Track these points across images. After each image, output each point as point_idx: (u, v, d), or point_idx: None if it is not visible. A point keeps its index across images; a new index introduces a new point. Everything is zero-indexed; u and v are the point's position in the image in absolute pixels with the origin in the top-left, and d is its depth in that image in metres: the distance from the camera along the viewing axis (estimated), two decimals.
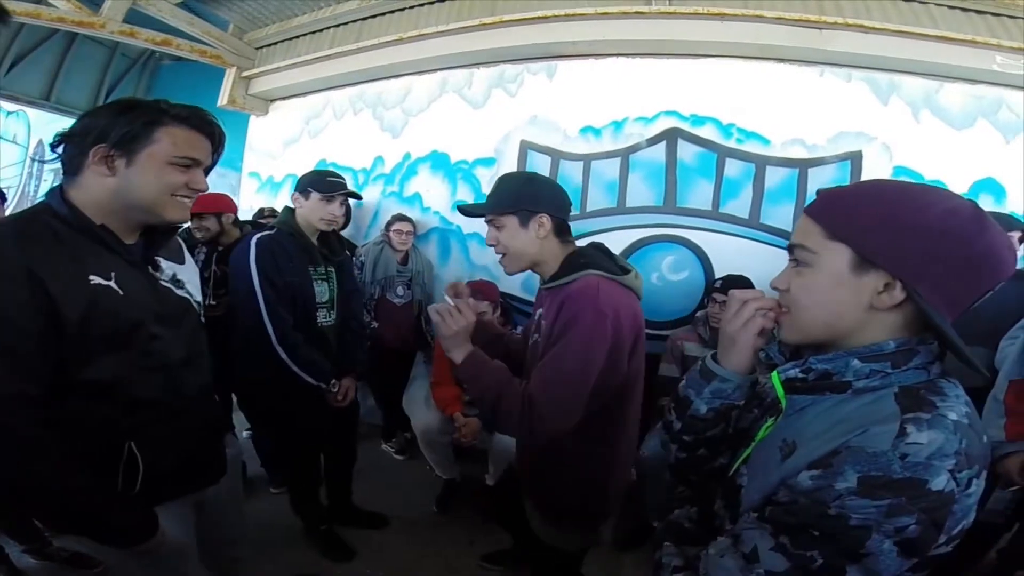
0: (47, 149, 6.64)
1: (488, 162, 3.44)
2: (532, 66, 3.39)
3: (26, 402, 0.95)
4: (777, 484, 0.72)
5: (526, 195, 1.37)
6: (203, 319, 1.34)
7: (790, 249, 0.79)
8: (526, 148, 3.31)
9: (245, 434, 3.37)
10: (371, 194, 3.89)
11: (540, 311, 1.45)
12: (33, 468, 0.96)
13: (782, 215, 2.84)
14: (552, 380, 1.28)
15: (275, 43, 4.39)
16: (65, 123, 5.98)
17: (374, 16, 3.81)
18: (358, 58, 3.82)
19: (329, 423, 2.29)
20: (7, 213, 5.59)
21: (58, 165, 1.08)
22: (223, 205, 2.89)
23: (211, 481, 1.35)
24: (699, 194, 2.95)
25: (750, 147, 2.90)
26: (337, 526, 2.49)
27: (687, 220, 2.97)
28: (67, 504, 1.01)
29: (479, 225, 3.45)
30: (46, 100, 5.82)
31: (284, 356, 2.00)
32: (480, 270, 3.41)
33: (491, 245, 1.43)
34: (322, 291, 2.16)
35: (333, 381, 2.16)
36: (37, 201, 1.28)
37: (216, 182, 6.49)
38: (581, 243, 1.47)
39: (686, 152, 2.97)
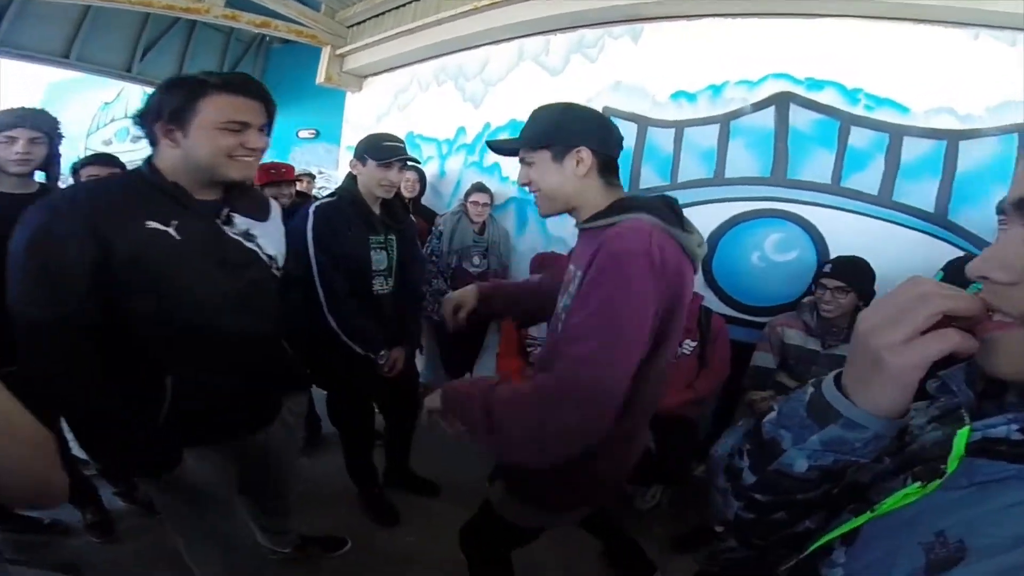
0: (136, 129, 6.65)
1: None
2: (614, 30, 2.72)
3: (63, 326, 0.94)
4: None
5: (561, 126, 1.01)
6: (276, 272, 1.24)
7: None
8: (608, 115, 2.56)
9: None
10: (454, 164, 3.42)
11: (572, 267, 1.05)
12: (65, 387, 0.96)
13: (922, 193, 2.06)
14: (589, 350, 0.85)
15: (364, 20, 3.94)
16: None
17: None
18: (438, 30, 3.30)
19: (382, 389, 2.00)
20: None
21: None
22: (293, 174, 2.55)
23: (250, 431, 1.24)
24: (816, 166, 2.21)
25: (882, 115, 2.11)
26: (390, 490, 2.21)
27: (799, 194, 2.23)
28: (94, 425, 1.00)
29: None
30: None
31: (334, 324, 1.74)
32: (556, 242, 2.85)
33: (523, 184, 1.06)
34: (380, 259, 1.86)
35: (383, 352, 1.83)
36: None
37: (323, 157, 6.06)
38: None
39: (800, 119, 2.23)
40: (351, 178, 1.83)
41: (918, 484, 0.40)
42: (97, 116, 7.64)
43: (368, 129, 4.04)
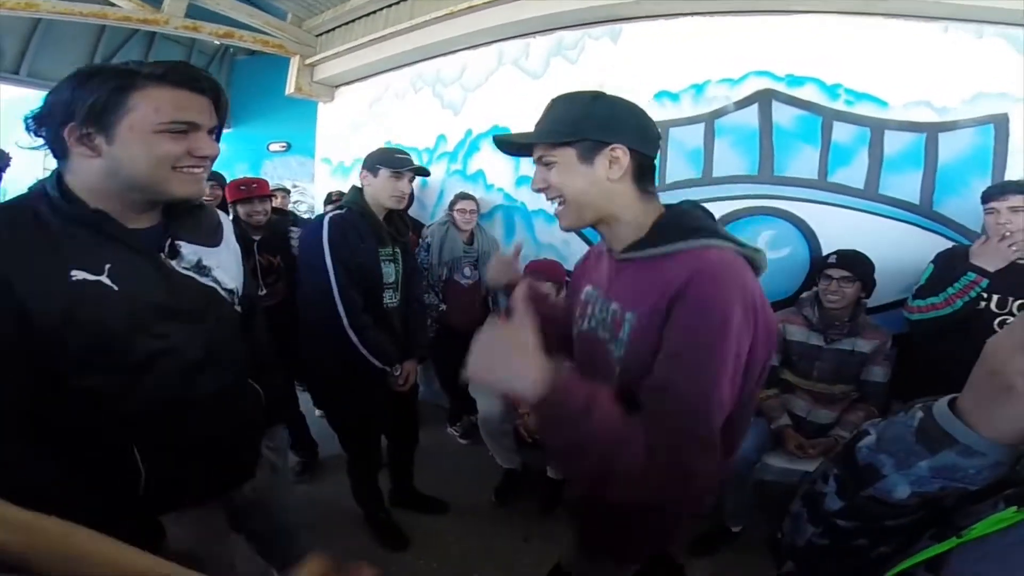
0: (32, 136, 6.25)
1: None
2: (593, 31, 2.67)
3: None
4: None
5: (592, 119, 0.80)
6: (238, 308, 1.03)
7: None
8: None
9: (318, 413, 2.85)
10: (435, 173, 3.31)
11: (593, 290, 0.92)
12: (11, 483, 0.71)
13: (906, 185, 2.08)
14: (694, 401, 0.70)
15: (333, 29, 3.80)
16: None
17: None
18: (412, 36, 3.19)
19: (390, 407, 1.96)
20: None
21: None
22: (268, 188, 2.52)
23: (235, 483, 1.07)
24: (802, 162, 2.21)
25: (862, 109, 2.12)
26: (397, 510, 2.15)
27: (788, 190, 2.23)
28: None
29: (546, 201, 2.84)
30: None
31: (355, 339, 1.69)
32: (546, 249, 2.78)
33: (539, 190, 0.86)
34: (389, 272, 1.83)
35: (397, 365, 1.82)
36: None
37: (296, 170, 5.88)
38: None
39: (783, 115, 2.22)
40: (357, 191, 1.81)
41: (1013, 508, 0.38)
42: None
43: (344, 140, 3.97)
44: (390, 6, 3.37)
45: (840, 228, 2.11)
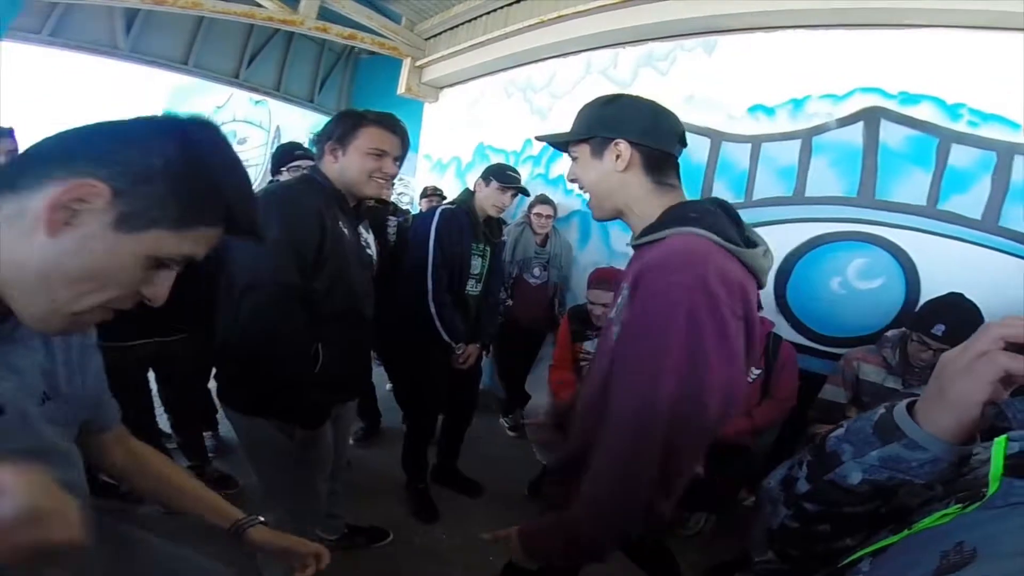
0: (281, 134, 7.21)
1: None
2: (686, 43, 2.63)
3: (295, 292, 1.18)
4: None
5: (601, 118, 0.89)
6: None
7: None
8: None
9: (388, 387, 3.09)
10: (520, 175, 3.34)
11: (624, 287, 0.89)
12: (288, 337, 1.18)
13: None
14: (622, 420, 0.77)
15: (439, 33, 4.08)
16: (292, 111, 6.25)
17: (519, 1, 3.30)
18: (506, 43, 3.36)
19: (451, 384, 2.17)
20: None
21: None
22: None
23: (356, 393, 1.57)
24: (909, 186, 2.01)
25: (989, 131, 1.88)
26: (436, 486, 2.31)
27: (889, 216, 2.04)
28: (293, 372, 1.21)
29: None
30: (277, 90, 5.97)
31: (433, 310, 1.99)
32: (619, 257, 2.78)
33: (570, 181, 0.97)
34: (476, 265, 2.14)
35: (461, 344, 2.07)
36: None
37: (404, 165, 6.39)
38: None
39: (892, 135, 2.03)
40: (469, 193, 2.14)
41: (959, 506, 0.40)
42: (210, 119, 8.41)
43: (444, 139, 4.24)
44: (488, 13, 3.56)
45: (946, 260, 1.89)
